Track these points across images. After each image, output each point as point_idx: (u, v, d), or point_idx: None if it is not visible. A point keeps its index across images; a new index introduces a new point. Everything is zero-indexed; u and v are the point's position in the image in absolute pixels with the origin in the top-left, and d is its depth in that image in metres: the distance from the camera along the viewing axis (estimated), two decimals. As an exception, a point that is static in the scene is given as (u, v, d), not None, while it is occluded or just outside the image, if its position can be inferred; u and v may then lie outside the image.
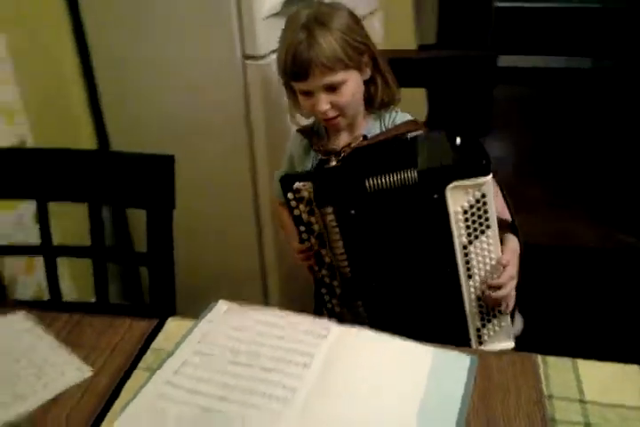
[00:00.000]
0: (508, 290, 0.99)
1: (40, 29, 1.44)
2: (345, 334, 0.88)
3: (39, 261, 1.27)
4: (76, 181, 1.02)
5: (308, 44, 1.02)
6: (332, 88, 1.05)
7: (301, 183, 1.01)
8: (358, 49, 1.06)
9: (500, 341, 1.05)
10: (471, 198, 0.92)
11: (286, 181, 1.02)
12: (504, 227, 1.04)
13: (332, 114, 1.08)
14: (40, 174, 1.02)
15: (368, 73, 1.11)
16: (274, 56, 1.32)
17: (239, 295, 1.43)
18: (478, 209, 0.93)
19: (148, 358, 0.86)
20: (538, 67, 4.26)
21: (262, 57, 1.31)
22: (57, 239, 1.12)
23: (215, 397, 0.78)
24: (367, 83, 1.12)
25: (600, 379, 0.81)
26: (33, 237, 1.33)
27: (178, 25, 1.34)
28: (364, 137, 1.11)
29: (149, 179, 0.98)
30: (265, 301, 1.68)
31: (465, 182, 0.91)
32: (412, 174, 0.92)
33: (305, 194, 1.02)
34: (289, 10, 1.28)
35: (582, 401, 0.78)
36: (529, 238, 1.06)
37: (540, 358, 0.85)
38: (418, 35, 4.58)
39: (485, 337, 1.04)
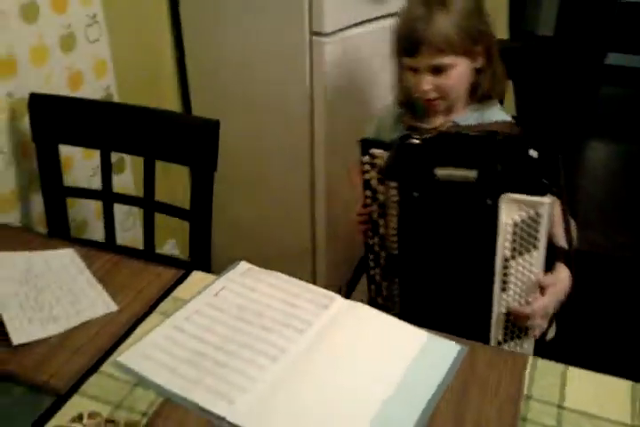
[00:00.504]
0: (537, 319, 0.97)
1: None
2: (347, 307, 0.92)
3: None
4: (135, 136, 1.12)
5: (424, 22, 1.02)
6: (439, 70, 1.05)
7: (379, 150, 1.01)
8: (473, 36, 1.05)
9: None
10: (524, 214, 0.91)
11: (365, 145, 1.03)
12: (560, 256, 1.01)
13: (432, 95, 1.08)
14: (106, 127, 1.13)
15: (480, 62, 1.09)
16: (342, 34, 1.37)
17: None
18: (529, 226, 0.92)
19: (167, 304, 0.95)
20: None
21: (328, 34, 1.34)
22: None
23: (213, 345, 0.85)
24: (476, 72, 1.10)
25: (586, 389, 0.81)
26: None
27: (254, 3, 1.40)
28: (455, 124, 1.10)
29: (196, 139, 1.06)
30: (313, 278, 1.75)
31: (519, 197, 0.90)
32: (471, 174, 0.92)
33: (379, 162, 1.02)
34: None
35: (560, 407, 0.79)
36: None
37: (531, 359, 0.86)
38: (534, 25, 4.39)
39: None
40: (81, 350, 0.86)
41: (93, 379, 0.81)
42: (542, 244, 0.93)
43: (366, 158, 1.02)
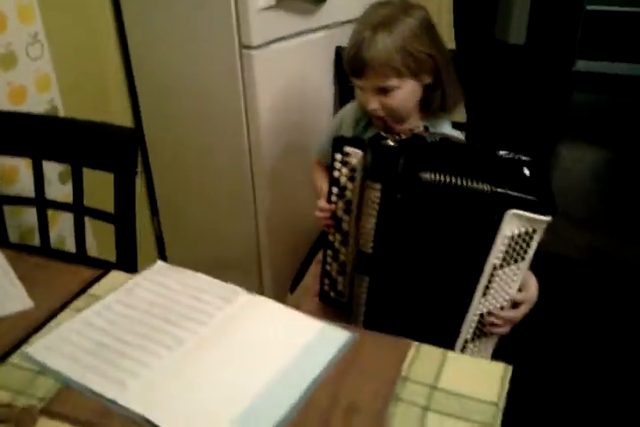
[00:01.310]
0: (505, 326, 1.04)
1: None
2: (250, 301, 0.98)
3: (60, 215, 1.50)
4: (62, 145, 1.19)
5: (367, 46, 1.06)
6: (384, 90, 1.09)
7: (353, 149, 1.05)
8: (418, 59, 1.08)
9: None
10: (522, 229, 0.95)
11: (338, 142, 1.06)
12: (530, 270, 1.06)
13: (380, 113, 1.13)
14: (36, 137, 1.21)
15: (428, 80, 1.13)
16: (271, 46, 1.44)
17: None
18: (523, 240, 0.96)
19: (82, 301, 1.00)
20: (619, 74, 4.06)
21: (257, 47, 1.42)
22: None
23: (116, 337, 0.91)
24: (426, 88, 1.14)
25: (461, 371, 0.86)
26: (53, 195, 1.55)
27: (182, 18, 1.49)
28: (426, 128, 1.14)
29: (117, 147, 1.13)
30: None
31: (527, 215, 0.94)
32: (483, 187, 0.94)
33: (353, 160, 1.05)
34: (284, 4, 1.39)
35: (432, 387, 0.84)
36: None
37: (415, 345, 0.91)
38: (505, 34, 4.50)
39: (468, 351, 1.08)
40: (-7, 343, 0.92)
41: (0, 369, 0.87)
42: (529, 256, 0.98)
43: (338, 156, 1.06)
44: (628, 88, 3.96)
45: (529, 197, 0.94)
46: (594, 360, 1.90)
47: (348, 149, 1.05)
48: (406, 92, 1.11)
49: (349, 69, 1.12)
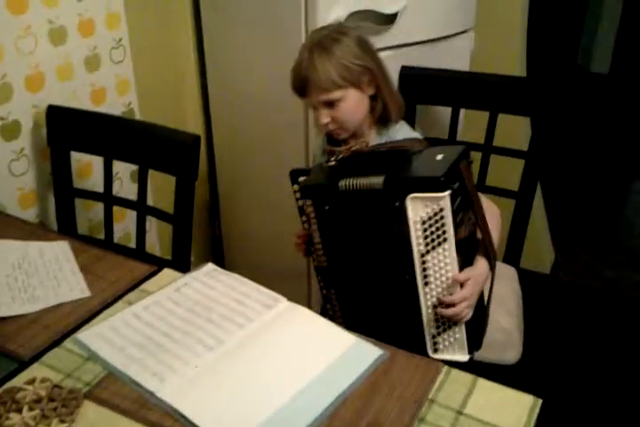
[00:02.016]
0: (460, 309, 1.04)
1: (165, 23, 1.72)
2: (289, 309, 1.02)
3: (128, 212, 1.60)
4: (131, 147, 1.28)
5: (306, 66, 1.14)
6: (331, 104, 1.16)
7: (303, 178, 1.13)
8: (354, 71, 1.15)
9: (455, 351, 1.09)
10: (429, 211, 0.98)
11: (294, 175, 1.15)
12: (479, 247, 1.10)
13: (332, 127, 1.19)
14: (109, 137, 1.30)
15: (371, 91, 1.19)
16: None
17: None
18: (436, 222, 0.99)
19: (134, 294, 1.07)
20: None
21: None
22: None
23: (161, 331, 0.97)
24: (371, 99, 1.20)
25: (489, 399, 0.87)
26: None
27: (257, 31, 1.56)
28: (367, 144, 1.20)
29: (180, 152, 1.20)
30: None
31: (423, 195, 0.98)
32: (377, 181, 1.00)
33: None
34: (352, 23, 1.43)
35: (459, 412, 0.85)
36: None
37: (445, 368, 0.92)
38: (588, 61, 4.39)
39: (440, 345, 1.10)
40: (50, 327, 0.99)
41: (54, 352, 0.94)
42: (450, 235, 1.00)
43: (295, 187, 1.14)
44: None
45: (417, 177, 1.00)
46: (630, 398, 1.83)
47: (300, 178, 1.13)
48: (351, 103, 1.17)
49: (295, 90, 1.19)
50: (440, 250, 1.02)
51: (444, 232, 1.00)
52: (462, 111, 1.63)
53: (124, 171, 1.66)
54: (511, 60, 2.08)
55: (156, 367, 0.89)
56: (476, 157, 1.63)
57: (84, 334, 0.97)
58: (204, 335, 0.96)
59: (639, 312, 2.24)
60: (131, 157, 1.28)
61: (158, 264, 1.25)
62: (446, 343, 1.10)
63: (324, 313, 1.25)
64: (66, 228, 1.40)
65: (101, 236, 1.51)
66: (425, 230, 1.00)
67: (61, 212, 1.38)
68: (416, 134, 1.26)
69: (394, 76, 1.63)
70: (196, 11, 1.75)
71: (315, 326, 1.00)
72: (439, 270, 1.04)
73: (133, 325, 0.99)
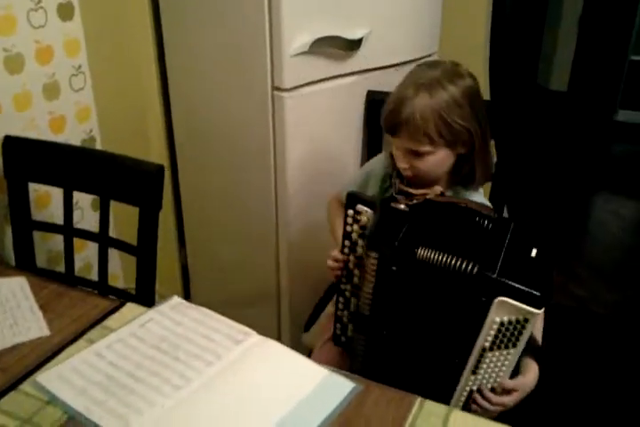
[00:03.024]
0: (491, 407, 1.02)
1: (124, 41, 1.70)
2: (258, 343, 0.99)
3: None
4: (92, 177, 1.24)
5: (406, 105, 1.05)
6: (416, 153, 1.09)
7: (364, 208, 1.05)
8: (454, 129, 1.06)
9: None
10: (513, 317, 0.93)
11: (352, 199, 1.06)
12: (530, 349, 1.03)
13: (408, 173, 1.12)
14: (69, 168, 1.26)
15: (462, 150, 1.11)
16: (303, 89, 1.48)
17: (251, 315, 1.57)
18: (514, 329, 0.94)
19: (96, 332, 1.02)
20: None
21: (289, 89, 1.45)
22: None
23: (125, 371, 0.93)
24: (459, 157, 1.13)
25: (464, 430, 0.86)
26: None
27: (220, 57, 1.54)
28: (442, 193, 1.12)
29: (143, 182, 1.17)
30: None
31: (513, 303, 0.91)
32: (469, 268, 0.92)
33: (363, 219, 1.06)
34: (317, 49, 1.43)
35: (435, 446, 0.83)
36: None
37: (419, 400, 0.90)
38: (547, 80, 4.50)
39: None
40: (7, 370, 0.94)
41: (11, 396, 0.89)
42: (522, 344, 0.97)
43: (350, 212, 1.07)
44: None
45: (518, 287, 0.91)
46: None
47: (359, 206, 1.06)
48: (438, 159, 1.10)
49: (385, 126, 1.12)
50: (504, 352, 0.98)
51: (517, 339, 0.96)
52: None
53: (84, 199, 1.61)
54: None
55: (120, 410, 0.85)
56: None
57: (44, 376, 0.92)
58: (172, 374, 0.92)
59: (612, 332, 2.26)
60: (92, 188, 1.25)
61: (122, 296, 1.22)
62: None
63: (335, 339, 1.22)
64: (24, 261, 1.35)
65: (61, 267, 1.46)
66: (499, 331, 0.95)
67: (19, 244, 1.33)
68: (487, 203, 1.19)
69: (359, 101, 1.65)
70: (158, 35, 1.73)
71: (285, 360, 0.97)
72: (493, 368, 1.00)
73: (96, 364, 0.94)
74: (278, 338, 1.84)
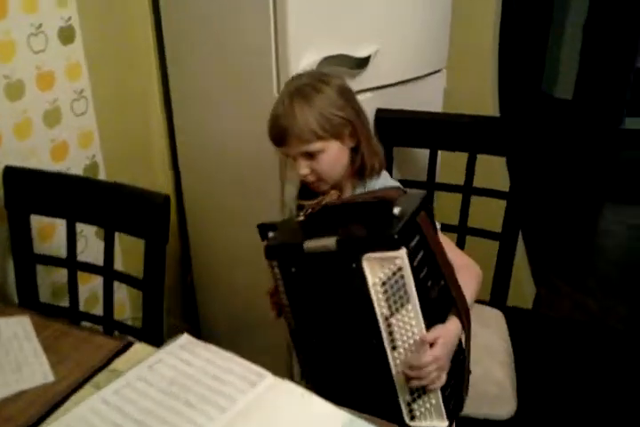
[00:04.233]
0: (430, 370, 0.97)
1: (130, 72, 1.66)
2: (274, 385, 0.93)
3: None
4: (96, 208, 1.20)
5: (285, 115, 1.09)
6: (311, 155, 1.11)
7: (272, 233, 1.08)
8: (336, 123, 1.10)
9: (432, 418, 1.02)
10: (387, 271, 0.93)
11: (262, 229, 1.09)
12: (452, 305, 1.04)
13: (311, 179, 1.13)
14: (72, 199, 1.21)
15: (352, 143, 1.14)
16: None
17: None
18: (396, 282, 0.94)
19: (102, 375, 0.97)
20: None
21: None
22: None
23: (133, 419, 0.87)
24: (352, 151, 1.15)
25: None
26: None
27: (226, 79, 1.50)
28: (339, 197, 1.15)
29: (148, 213, 1.12)
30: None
31: (377, 255, 0.92)
32: (331, 242, 0.95)
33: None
34: (325, 68, 1.38)
35: None
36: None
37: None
38: (552, 88, 4.45)
39: (417, 412, 1.02)
40: (11, 420, 0.89)
41: (14, 450, 0.84)
42: (412, 295, 0.94)
43: (265, 242, 1.06)
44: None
45: (369, 237, 0.95)
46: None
47: (270, 234, 1.08)
48: (332, 155, 1.12)
49: (272, 139, 1.14)
50: (404, 311, 0.96)
51: (405, 292, 0.94)
52: (440, 152, 1.59)
53: (88, 228, 1.56)
54: (483, 96, 2.06)
55: (129, 466, 0.80)
56: (457, 197, 1.59)
57: (49, 429, 0.87)
58: (182, 422, 0.86)
59: (627, 346, 2.19)
60: (96, 219, 1.20)
61: (128, 332, 1.16)
62: (422, 409, 1.03)
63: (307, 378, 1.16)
64: (27, 295, 1.30)
65: (66, 301, 1.41)
66: (386, 292, 0.94)
67: (21, 279, 1.28)
68: (393, 182, 1.21)
69: (369, 118, 1.60)
70: (161, 58, 1.69)
71: (304, 404, 0.91)
72: (406, 333, 0.97)
73: (102, 412, 0.89)
74: (290, 367, 1.78)
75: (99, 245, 1.58)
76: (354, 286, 0.95)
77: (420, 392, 1.00)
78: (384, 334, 0.96)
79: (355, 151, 1.16)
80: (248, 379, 0.95)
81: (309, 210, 1.09)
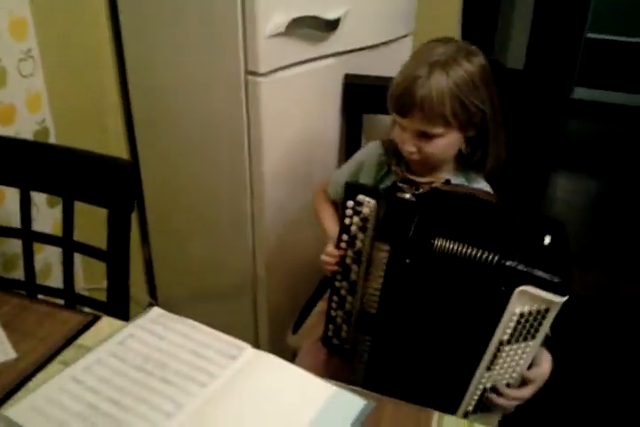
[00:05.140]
0: (511, 404, 0.97)
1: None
2: (255, 358, 0.90)
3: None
4: (53, 175, 1.10)
5: (421, 84, 0.98)
6: (426, 135, 1.03)
7: (367, 198, 0.98)
8: (469, 110, 1.02)
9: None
10: (534, 308, 0.89)
11: (351, 189, 0.99)
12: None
13: (415, 157, 1.06)
14: (25, 165, 1.11)
15: (472, 133, 1.07)
16: (278, 73, 1.38)
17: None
18: (535, 320, 0.90)
19: (69, 352, 0.91)
20: (616, 103, 4.05)
21: (264, 74, 1.34)
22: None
23: (108, 398, 0.82)
24: (467, 141, 1.08)
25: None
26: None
27: (186, 39, 1.42)
28: (447, 181, 1.08)
29: (112, 181, 1.04)
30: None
31: (535, 292, 0.87)
32: (491, 259, 0.88)
33: (365, 210, 0.99)
34: (293, 31, 1.32)
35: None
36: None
37: (436, 415, 0.84)
38: (504, 57, 4.49)
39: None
40: (-29, 401, 0.82)
41: (-24, 434, 0.78)
42: (541, 335, 0.92)
43: (350, 204, 0.99)
44: (624, 118, 3.95)
45: (540, 275, 0.87)
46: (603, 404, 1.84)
47: (360, 197, 0.98)
48: (447, 143, 1.05)
49: (395, 106, 1.04)
50: (522, 345, 0.93)
51: (536, 331, 0.91)
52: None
53: (39, 196, 1.47)
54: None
55: (106, 446, 0.76)
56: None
57: (14, 410, 0.80)
58: (161, 400, 0.82)
59: (597, 313, 2.26)
60: (53, 188, 1.11)
61: (91, 305, 1.10)
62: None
63: (326, 340, 1.15)
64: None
65: (19, 272, 1.33)
66: (519, 323, 0.90)
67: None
68: (489, 189, 1.14)
69: (337, 85, 1.56)
70: (114, 14, 1.58)
71: (287, 376, 0.88)
72: (509, 362, 0.95)
73: (73, 391, 0.83)
74: (256, 336, 1.75)
75: (50, 214, 1.50)
76: (489, 304, 0.90)
77: (484, 408, 1.00)
78: (487, 356, 0.93)
79: (475, 143, 1.08)
80: (228, 353, 0.90)
81: (420, 190, 0.99)
